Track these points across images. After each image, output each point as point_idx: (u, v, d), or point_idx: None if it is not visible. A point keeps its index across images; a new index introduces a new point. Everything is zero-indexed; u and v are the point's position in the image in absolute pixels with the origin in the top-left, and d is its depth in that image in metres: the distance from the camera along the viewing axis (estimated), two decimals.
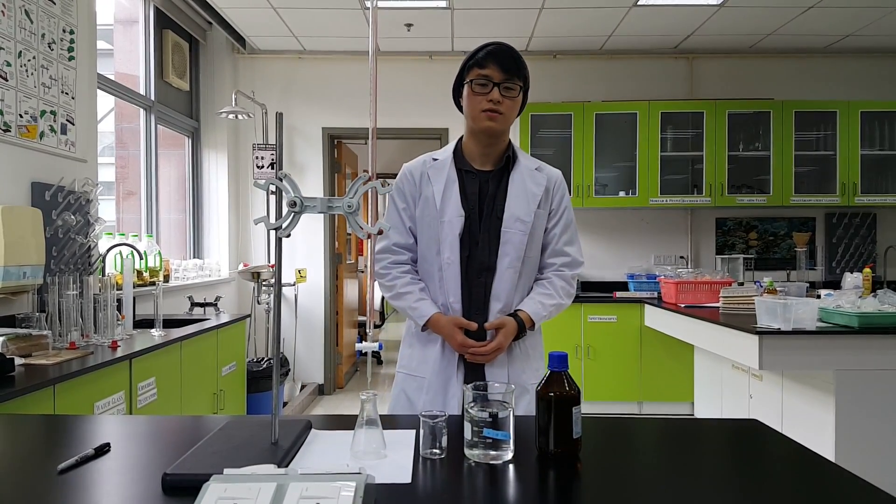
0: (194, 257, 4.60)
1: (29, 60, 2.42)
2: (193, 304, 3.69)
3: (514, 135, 4.89)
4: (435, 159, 1.65)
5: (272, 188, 1.00)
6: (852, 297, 2.83)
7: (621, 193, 4.73)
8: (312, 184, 5.00)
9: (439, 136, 5.04)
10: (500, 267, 1.56)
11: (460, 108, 1.63)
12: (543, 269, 1.66)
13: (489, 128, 1.54)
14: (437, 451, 1.00)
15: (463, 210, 1.57)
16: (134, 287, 2.79)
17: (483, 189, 1.60)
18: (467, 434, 0.99)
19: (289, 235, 1.01)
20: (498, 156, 1.62)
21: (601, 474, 0.98)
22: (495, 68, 1.50)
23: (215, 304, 3.78)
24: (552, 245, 1.65)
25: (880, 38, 4.71)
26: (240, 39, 4.76)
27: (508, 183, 1.60)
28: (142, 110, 3.90)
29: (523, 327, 1.57)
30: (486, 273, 1.57)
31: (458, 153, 1.64)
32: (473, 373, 1.57)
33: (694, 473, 0.99)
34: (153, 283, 3.35)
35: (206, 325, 2.97)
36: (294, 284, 4.90)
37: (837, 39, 4.75)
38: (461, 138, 1.67)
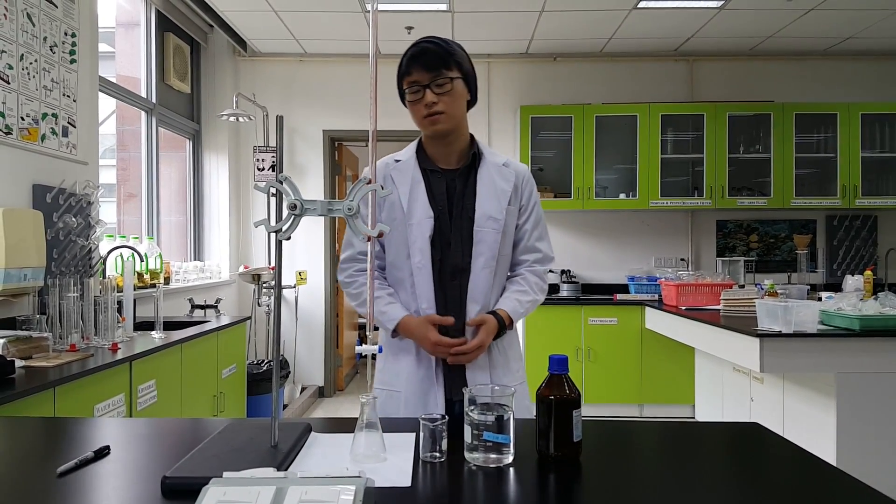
0: (195, 259, 4.60)
1: (31, 63, 2.42)
2: (194, 307, 3.69)
3: (515, 136, 4.90)
4: (398, 160, 1.58)
5: (272, 191, 1.00)
6: (853, 299, 2.83)
7: (622, 195, 4.74)
8: (313, 186, 5.00)
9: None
10: (475, 268, 1.51)
11: None
12: (515, 265, 1.63)
13: (436, 132, 1.50)
14: (438, 454, 1.00)
15: (432, 211, 1.51)
16: (134, 289, 2.79)
17: (451, 188, 1.54)
18: (467, 437, 0.99)
19: (289, 238, 1.00)
20: (461, 153, 1.57)
21: (602, 478, 0.97)
22: (420, 71, 1.45)
23: (216, 307, 3.78)
24: (524, 241, 1.61)
25: (880, 40, 4.71)
26: (241, 42, 4.76)
27: (476, 180, 1.55)
28: (143, 113, 3.90)
29: (503, 325, 1.51)
30: (461, 275, 1.52)
31: (420, 153, 1.58)
32: (454, 381, 1.50)
33: (695, 478, 0.99)
34: (154, 286, 3.35)
35: (207, 327, 2.97)
36: (294, 286, 4.90)
37: (838, 42, 4.75)
38: (422, 137, 1.60)
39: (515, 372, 1.59)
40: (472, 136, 1.59)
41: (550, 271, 5.52)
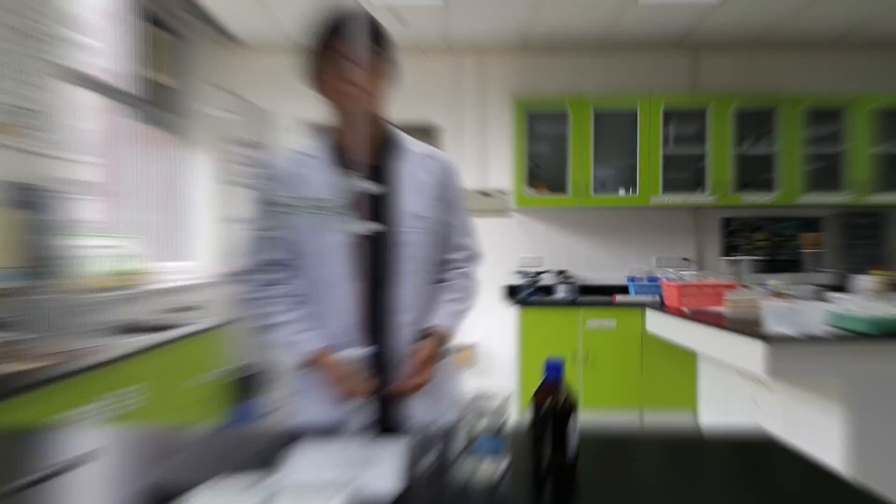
0: (179, 259, 4.50)
1: (2, 56, 2.32)
2: (178, 308, 3.59)
3: (510, 130, 4.79)
4: (306, 154, 1.43)
5: None
6: (864, 300, 2.75)
7: (621, 192, 4.63)
8: None
9: (432, 133, 4.97)
10: (404, 272, 1.39)
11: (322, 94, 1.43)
12: (443, 264, 1.50)
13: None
14: (429, 461, 1.00)
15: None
16: (115, 290, 2.69)
17: None
18: (460, 444, 0.97)
19: None
20: (379, 144, 1.43)
21: (598, 487, 0.96)
22: (345, 43, 1.30)
23: (201, 308, 3.68)
24: (451, 238, 1.50)
25: (893, 29, 4.59)
26: (228, 35, 4.69)
27: (399, 175, 1.42)
28: (125, 108, 3.81)
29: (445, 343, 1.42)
30: (388, 282, 1.39)
31: (330, 145, 1.44)
32: (383, 411, 1.36)
33: (699, 488, 0.97)
34: (135, 286, 3.25)
35: (192, 329, 2.88)
36: None
37: (848, 31, 4.64)
38: (330, 127, 1.47)
39: (455, 376, 1.53)
40: (389, 125, 1.48)
41: (546, 272, 5.35)
